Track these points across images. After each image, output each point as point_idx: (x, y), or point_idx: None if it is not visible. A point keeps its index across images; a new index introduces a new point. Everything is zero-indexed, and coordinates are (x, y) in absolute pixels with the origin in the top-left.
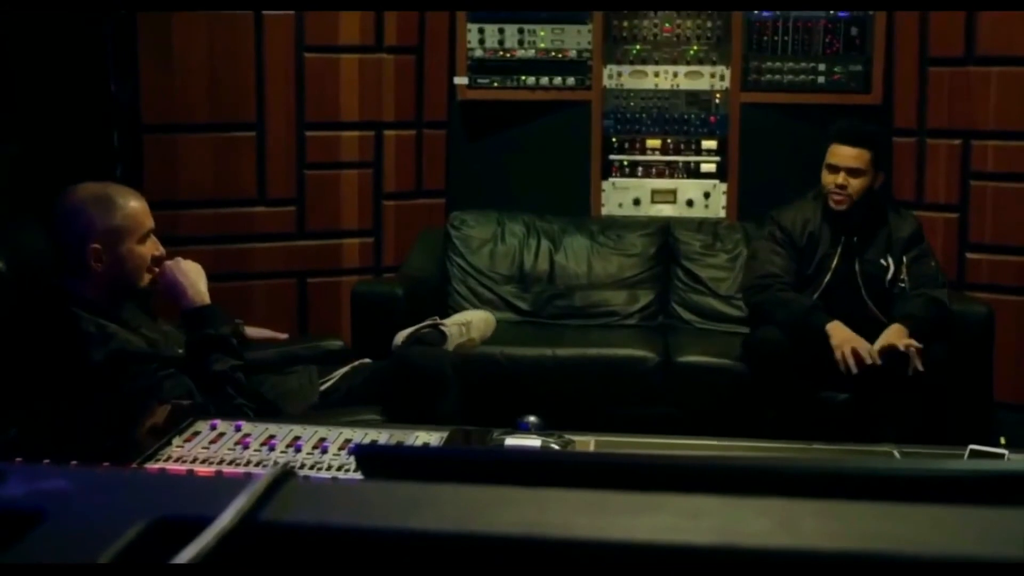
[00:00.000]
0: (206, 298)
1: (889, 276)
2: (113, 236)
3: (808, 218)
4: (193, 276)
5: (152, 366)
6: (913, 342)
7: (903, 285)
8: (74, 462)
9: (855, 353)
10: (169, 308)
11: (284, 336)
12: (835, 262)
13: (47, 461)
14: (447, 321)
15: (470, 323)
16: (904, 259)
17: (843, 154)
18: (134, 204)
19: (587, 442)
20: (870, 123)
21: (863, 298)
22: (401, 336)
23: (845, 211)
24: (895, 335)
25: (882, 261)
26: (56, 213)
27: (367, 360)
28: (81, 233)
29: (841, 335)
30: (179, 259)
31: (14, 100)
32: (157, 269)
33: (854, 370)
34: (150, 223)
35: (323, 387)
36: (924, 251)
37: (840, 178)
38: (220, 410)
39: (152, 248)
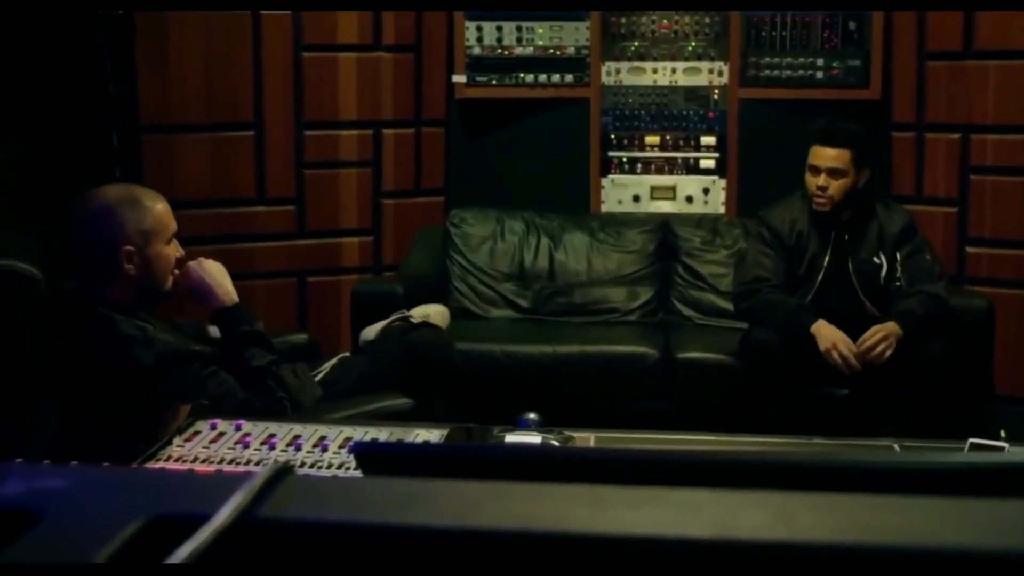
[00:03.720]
0: (235, 296)
1: (883, 273)
2: (144, 238)
3: (796, 217)
4: (218, 276)
5: (196, 365)
6: (890, 339)
7: (899, 284)
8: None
9: (843, 356)
10: (178, 307)
11: None
12: (826, 261)
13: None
14: (412, 313)
15: (429, 315)
16: (898, 256)
17: (823, 155)
18: (160, 206)
19: (587, 439)
20: (850, 122)
21: (859, 297)
22: (373, 331)
23: (828, 212)
24: (880, 332)
25: (875, 259)
26: (82, 216)
27: (347, 354)
28: (112, 235)
29: (828, 337)
30: (202, 259)
31: (13, 102)
32: (178, 271)
33: (847, 371)
34: (174, 225)
35: (316, 380)
36: (918, 246)
37: (821, 179)
38: (264, 405)
39: (175, 250)
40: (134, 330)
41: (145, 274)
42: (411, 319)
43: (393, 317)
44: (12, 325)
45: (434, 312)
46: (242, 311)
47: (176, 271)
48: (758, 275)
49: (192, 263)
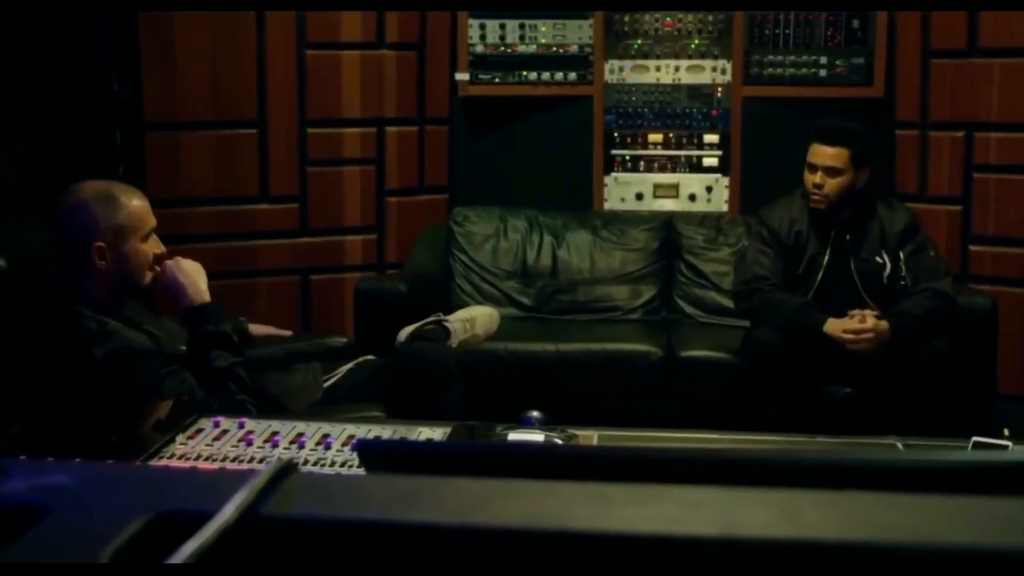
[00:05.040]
0: (206, 296)
1: (887, 272)
2: (117, 234)
3: (795, 217)
4: (193, 275)
5: (154, 363)
6: (873, 339)
7: (904, 283)
8: (78, 459)
9: (857, 331)
10: (169, 306)
11: (287, 333)
12: (826, 260)
13: (51, 459)
14: (451, 317)
15: (474, 319)
16: (901, 254)
17: (822, 153)
18: (137, 202)
19: (590, 437)
20: (853, 121)
21: (862, 297)
22: (405, 333)
23: (824, 210)
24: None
25: (877, 258)
26: (59, 211)
27: (371, 357)
28: (85, 231)
29: (837, 327)
30: (179, 258)
31: (18, 101)
32: (158, 268)
33: (869, 340)
34: (152, 221)
35: (327, 384)
36: (921, 243)
37: (817, 177)
38: (222, 406)
39: (154, 246)
40: (94, 326)
41: (119, 270)
42: (445, 323)
43: (428, 320)
44: None
45: (480, 314)
46: (212, 311)
47: (157, 267)
48: (757, 274)
49: (169, 261)
